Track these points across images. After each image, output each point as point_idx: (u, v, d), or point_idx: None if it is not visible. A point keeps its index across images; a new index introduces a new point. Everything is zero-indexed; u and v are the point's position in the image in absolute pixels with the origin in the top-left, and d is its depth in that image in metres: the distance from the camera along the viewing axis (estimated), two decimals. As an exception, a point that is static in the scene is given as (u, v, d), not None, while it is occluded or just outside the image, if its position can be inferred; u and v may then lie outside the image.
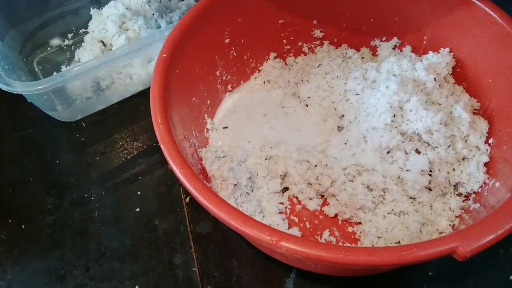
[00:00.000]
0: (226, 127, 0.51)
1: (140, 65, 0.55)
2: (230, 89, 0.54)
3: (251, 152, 0.49)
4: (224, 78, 0.53)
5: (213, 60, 0.50)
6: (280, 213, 0.46)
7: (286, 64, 0.57)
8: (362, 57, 0.55)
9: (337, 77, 0.52)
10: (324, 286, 0.43)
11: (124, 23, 0.60)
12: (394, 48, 0.54)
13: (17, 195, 0.51)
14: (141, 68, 0.55)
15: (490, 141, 0.45)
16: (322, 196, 0.46)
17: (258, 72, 0.56)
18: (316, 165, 0.47)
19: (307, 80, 0.54)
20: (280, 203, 0.46)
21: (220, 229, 0.46)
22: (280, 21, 0.53)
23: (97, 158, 0.53)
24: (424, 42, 0.52)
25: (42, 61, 0.62)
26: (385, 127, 0.45)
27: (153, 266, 0.45)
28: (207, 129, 0.50)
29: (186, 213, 0.48)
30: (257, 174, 0.47)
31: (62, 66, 0.61)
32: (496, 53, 0.45)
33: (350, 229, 0.44)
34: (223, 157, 0.48)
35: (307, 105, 0.53)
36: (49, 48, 0.62)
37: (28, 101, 0.52)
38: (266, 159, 0.48)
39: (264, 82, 0.55)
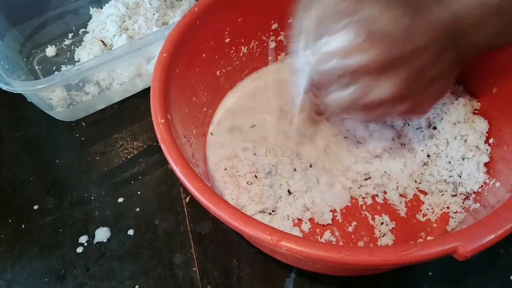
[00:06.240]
0: (226, 127, 0.51)
1: (140, 64, 0.55)
2: (231, 88, 0.54)
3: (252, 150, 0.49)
4: (224, 77, 0.52)
5: (213, 60, 0.50)
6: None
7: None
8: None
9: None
10: (324, 286, 0.43)
11: (124, 22, 0.60)
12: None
13: (17, 195, 0.51)
14: (141, 67, 0.55)
15: (490, 141, 0.45)
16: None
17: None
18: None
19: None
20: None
21: (220, 229, 0.46)
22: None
23: (97, 158, 0.53)
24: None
25: (42, 60, 0.62)
26: None
27: (153, 266, 0.45)
28: (208, 129, 0.50)
29: (186, 213, 0.48)
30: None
31: (62, 66, 0.61)
32: (496, 52, 0.45)
33: (350, 229, 0.44)
34: (224, 156, 0.48)
35: None
36: (49, 48, 0.62)
37: (28, 100, 0.52)
38: (266, 155, 0.48)
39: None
